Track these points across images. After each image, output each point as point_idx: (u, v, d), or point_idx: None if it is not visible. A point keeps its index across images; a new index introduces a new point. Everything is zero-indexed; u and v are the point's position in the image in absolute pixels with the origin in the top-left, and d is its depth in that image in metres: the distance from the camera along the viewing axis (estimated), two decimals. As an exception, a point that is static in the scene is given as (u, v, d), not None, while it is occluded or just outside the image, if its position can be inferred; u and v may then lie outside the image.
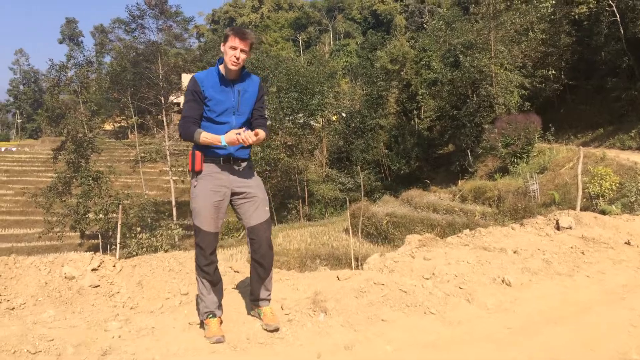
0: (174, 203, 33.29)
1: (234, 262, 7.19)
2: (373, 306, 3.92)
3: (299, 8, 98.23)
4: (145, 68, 32.65)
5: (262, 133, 3.24)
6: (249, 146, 3.49)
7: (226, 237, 30.38)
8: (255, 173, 3.55)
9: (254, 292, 3.56)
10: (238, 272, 6.12)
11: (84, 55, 30.07)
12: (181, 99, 61.82)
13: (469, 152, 32.36)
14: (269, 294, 3.59)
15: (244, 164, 3.44)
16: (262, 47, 68.96)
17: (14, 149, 60.11)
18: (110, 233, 27.34)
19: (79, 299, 4.98)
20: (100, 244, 28.61)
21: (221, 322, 3.45)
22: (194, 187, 3.33)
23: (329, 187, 35.69)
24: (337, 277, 4.34)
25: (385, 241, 18.18)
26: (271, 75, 37.46)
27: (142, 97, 33.32)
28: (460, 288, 4.55)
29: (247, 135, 3.12)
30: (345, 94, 43.45)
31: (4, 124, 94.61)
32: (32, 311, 4.58)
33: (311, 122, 36.50)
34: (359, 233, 17.52)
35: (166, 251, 20.49)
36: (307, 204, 34.52)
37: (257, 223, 3.43)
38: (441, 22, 35.82)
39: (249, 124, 3.46)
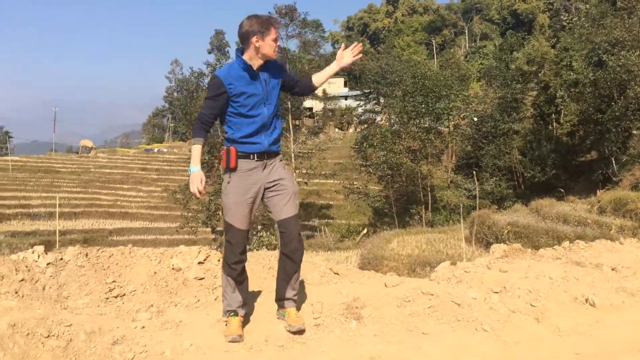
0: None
1: (336, 264, 7.10)
2: (416, 317, 3.60)
3: (434, 11, 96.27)
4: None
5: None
6: (279, 139, 3.40)
7: (345, 239, 30.63)
8: (285, 166, 3.45)
9: (279, 291, 3.45)
10: (338, 274, 6.01)
11: (219, 63, 32.13)
12: (311, 104, 63.92)
13: (613, 160, 29.36)
14: (295, 294, 3.46)
15: (276, 158, 3.37)
16: (394, 52, 68.59)
17: (165, 150, 66.05)
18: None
19: (184, 290, 5.18)
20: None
21: (244, 321, 3.39)
22: (227, 183, 3.28)
23: (454, 193, 34.46)
24: (385, 283, 4.07)
25: (505, 252, 16.88)
26: (397, 80, 37.17)
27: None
28: (531, 305, 4.04)
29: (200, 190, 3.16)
30: (476, 98, 41.65)
31: (159, 128, 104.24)
32: (139, 299, 4.90)
33: (438, 126, 35.52)
34: (473, 241, 16.59)
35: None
36: (430, 210, 33.61)
37: (289, 216, 3.31)
38: (583, 18, 32.90)
39: (278, 112, 3.39)
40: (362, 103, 55.16)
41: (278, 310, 3.52)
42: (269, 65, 3.30)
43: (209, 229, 31.56)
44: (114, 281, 4.56)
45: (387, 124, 38.96)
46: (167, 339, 3.11)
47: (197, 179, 3.10)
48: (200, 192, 3.10)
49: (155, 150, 66.94)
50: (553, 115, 42.03)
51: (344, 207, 39.95)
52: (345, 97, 67.21)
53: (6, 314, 2.89)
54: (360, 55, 3.47)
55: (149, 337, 3.09)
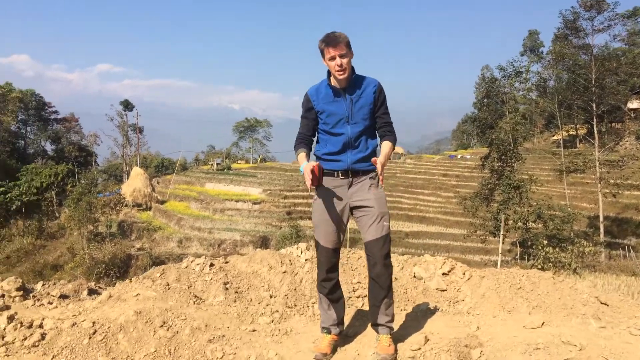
0: (601, 218, 30.15)
1: (604, 293, 6.26)
2: (540, 371, 2.98)
3: None
4: (578, 75, 30.57)
5: (383, 156, 3.15)
6: (369, 158, 3.25)
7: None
8: (378, 185, 3.28)
9: (372, 315, 3.30)
10: (606, 304, 5.36)
11: (514, 67, 30.64)
12: (638, 104, 55.08)
13: None
14: (389, 321, 3.25)
15: (364, 177, 3.26)
16: None
17: (468, 157, 66.06)
18: (529, 243, 27.04)
19: (422, 300, 5.43)
20: (518, 252, 28.60)
21: (339, 339, 3.36)
22: (314, 200, 3.34)
23: None
24: (524, 325, 3.45)
25: None
26: None
27: (570, 104, 31.31)
28: None
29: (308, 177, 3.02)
30: None
31: (468, 134, 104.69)
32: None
33: None
34: None
35: (574, 270, 19.03)
36: None
37: (373, 238, 3.18)
38: None
39: (369, 131, 3.28)
40: None
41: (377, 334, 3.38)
42: (365, 83, 3.22)
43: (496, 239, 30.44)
44: (358, 282, 4.95)
45: None
46: (263, 345, 3.32)
47: (307, 170, 3.03)
48: (312, 180, 3.05)
49: (459, 156, 67.54)
50: None
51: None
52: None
53: (140, 303, 3.54)
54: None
55: (247, 339, 3.35)
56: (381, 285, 3.20)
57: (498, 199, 28.04)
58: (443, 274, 5.88)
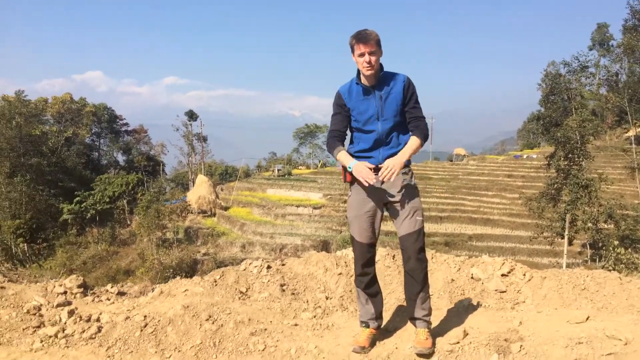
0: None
1: None
2: (583, 366, 2.91)
3: None
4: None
5: (402, 152, 3.17)
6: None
7: None
8: (411, 181, 3.32)
9: (408, 309, 3.33)
10: None
11: (579, 61, 29.41)
12: None
13: None
14: (426, 314, 3.26)
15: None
16: None
17: (534, 156, 63.73)
18: (600, 244, 25.80)
19: (479, 300, 5.39)
20: (589, 254, 27.34)
21: (378, 333, 3.41)
22: (349, 197, 3.43)
23: None
24: (568, 320, 3.36)
25: None
26: None
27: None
28: None
29: (372, 176, 3.07)
30: None
31: (534, 133, 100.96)
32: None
33: None
34: None
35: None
36: None
37: (405, 233, 3.23)
38: None
39: (401, 127, 3.30)
40: None
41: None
42: (394, 80, 3.27)
43: (563, 241, 29.19)
44: (410, 284, 4.98)
45: None
46: (303, 339, 3.42)
47: (361, 168, 3.09)
48: (370, 178, 3.07)
49: (524, 156, 65.36)
50: None
51: None
52: None
53: (188, 298, 3.72)
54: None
55: (288, 333, 3.46)
56: (416, 279, 3.23)
57: (565, 198, 26.94)
58: (502, 275, 5.74)
